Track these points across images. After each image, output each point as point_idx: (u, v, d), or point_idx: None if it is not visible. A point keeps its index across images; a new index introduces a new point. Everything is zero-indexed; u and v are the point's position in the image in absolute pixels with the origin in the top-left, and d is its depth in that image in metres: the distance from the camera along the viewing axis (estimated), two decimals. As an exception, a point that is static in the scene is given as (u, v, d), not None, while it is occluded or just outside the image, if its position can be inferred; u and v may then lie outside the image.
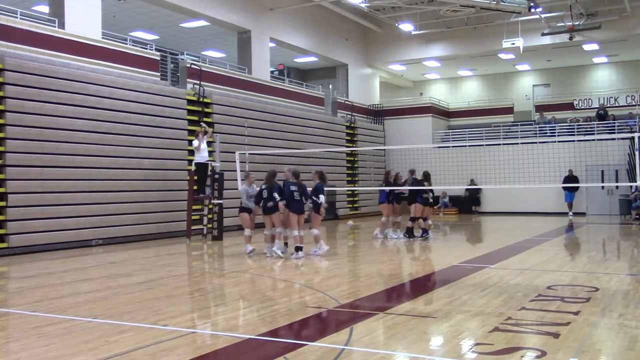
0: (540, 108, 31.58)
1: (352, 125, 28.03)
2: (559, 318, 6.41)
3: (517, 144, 26.48)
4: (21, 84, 13.88)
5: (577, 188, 24.12)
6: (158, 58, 18.43)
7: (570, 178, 23.92)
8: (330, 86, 29.41)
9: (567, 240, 16.19)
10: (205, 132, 16.48)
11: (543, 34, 25.94)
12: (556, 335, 5.68)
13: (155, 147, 17.10)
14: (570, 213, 24.71)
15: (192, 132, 17.98)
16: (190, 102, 18.63)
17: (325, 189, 12.85)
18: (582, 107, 30.89)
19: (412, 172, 15.48)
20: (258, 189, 12.42)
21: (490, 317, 6.49)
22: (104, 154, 15.68)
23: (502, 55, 29.87)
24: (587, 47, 28.30)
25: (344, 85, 29.62)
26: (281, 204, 11.93)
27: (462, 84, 36.99)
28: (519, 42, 25.01)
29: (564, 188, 24.05)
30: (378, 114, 31.45)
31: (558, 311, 6.76)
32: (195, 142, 16.20)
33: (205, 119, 18.90)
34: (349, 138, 27.62)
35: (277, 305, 7.37)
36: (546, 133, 28.16)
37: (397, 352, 5.35)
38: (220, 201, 16.22)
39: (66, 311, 7.17)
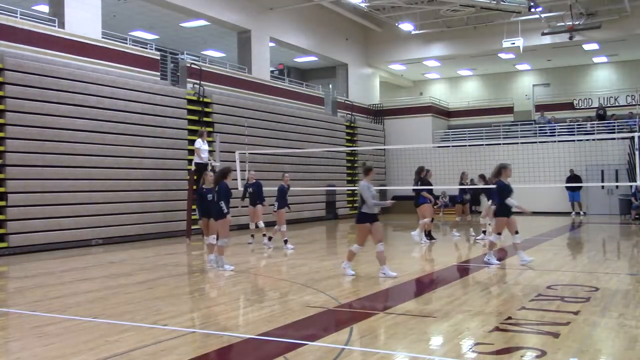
0: (540, 108, 31.60)
1: (352, 125, 28.03)
2: (558, 318, 6.41)
3: (517, 143, 26.46)
4: (21, 84, 13.88)
5: (579, 187, 24.07)
6: (158, 58, 18.43)
7: (572, 178, 23.90)
8: (330, 86, 29.41)
9: (567, 240, 16.19)
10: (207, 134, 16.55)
11: (543, 34, 25.93)
12: (556, 335, 5.68)
13: (155, 147, 17.10)
14: (573, 213, 24.69)
15: (192, 132, 17.99)
16: (190, 101, 18.64)
17: (325, 188, 12.86)
18: (582, 107, 30.90)
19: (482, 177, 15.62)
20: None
21: (490, 317, 6.49)
22: (104, 154, 15.68)
23: (502, 55, 29.88)
24: (587, 46, 28.30)
25: (344, 85, 29.63)
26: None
27: (462, 84, 36.99)
28: (519, 42, 24.99)
29: (567, 188, 24.02)
30: (378, 114, 31.46)
31: (558, 311, 6.77)
32: (199, 142, 16.22)
33: (205, 119, 18.93)
34: (349, 138, 27.62)
35: (277, 305, 7.37)
36: (546, 133, 28.17)
37: (397, 352, 5.35)
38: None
39: (66, 311, 7.17)
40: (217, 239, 10.71)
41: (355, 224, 9.53)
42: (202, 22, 22.65)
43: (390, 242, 16.52)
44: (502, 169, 10.64)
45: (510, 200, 10.36)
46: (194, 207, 16.45)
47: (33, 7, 18.51)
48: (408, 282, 8.98)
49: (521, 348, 5.32)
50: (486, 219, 15.13)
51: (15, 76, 13.76)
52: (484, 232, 15.40)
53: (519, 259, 10.54)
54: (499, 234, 10.68)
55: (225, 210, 10.35)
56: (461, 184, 16.63)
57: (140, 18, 22.66)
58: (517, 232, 10.53)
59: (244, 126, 19.24)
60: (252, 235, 15.03)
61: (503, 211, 10.49)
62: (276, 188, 17.73)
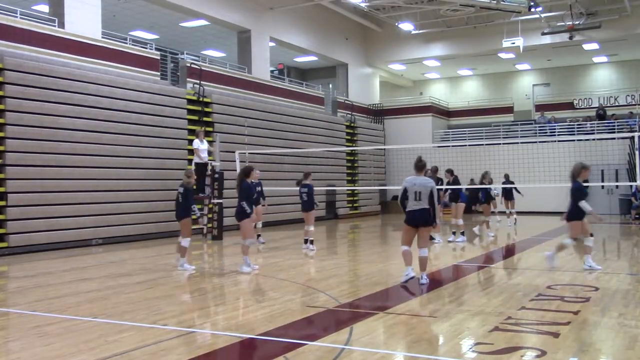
0: (540, 108, 31.61)
1: (352, 124, 28.03)
2: (558, 318, 6.41)
3: (517, 143, 26.47)
4: (21, 84, 13.87)
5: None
6: (158, 57, 18.43)
7: None
8: (330, 86, 29.41)
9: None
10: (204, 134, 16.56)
11: (543, 34, 25.94)
12: (556, 335, 5.68)
13: (155, 147, 17.10)
14: None
15: (191, 132, 17.98)
16: (190, 101, 18.63)
17: (325, 188, 12.73)
18: (582, 107, 30.91)
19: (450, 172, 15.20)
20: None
21: (490, 317, 6.49)
22: (104, 154, 15.68)
23: (502, 55, 29.89)
24: (587, 46, 28.30)
25: (344, 84, 29.63)
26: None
27: (462, 84, 36.99)
28: (519, 42, 25.01)
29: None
30: (378, 114, 31.46)
31: (558, 311, 6.77)
32: (197, 143, 16.23)
33: (205, 119, 18.94)
34: (349, 138, 27.62)
35: (277, 305, 7.37)
36: (546, 133, 28.18)
37: (397, 352, 5.36)
38: (220, 201, 16.23)
39: (66, 311, 7.17)
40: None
41: (429, 226, 8.61)
42: (202, 22, 22.65)
43: (391, 242, 16.51)
44: (583, 169, 9.71)
45: (583, 204, 9.49)
46: (198, 206, 16.48)
47: (33, 7, 18.51)
48: (408, 282, 8.96)
49: (521, 348, 5.32)
50: (459, 220, 14.90)
51: (15, 76, 13.76)
52: (454, 233, 15.06)
53: (584, 263, 9.90)
54: (575, 239, 9.79)
55: (249, 211, 10.15)
56: (482, 183, 16.55)
57: (140, 18, 22.66)
58: (591, 235, 9.84)
59: (244, 126, 19.24)
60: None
61: (577, 214, 9.57)
62: (277, 188, 17.73)
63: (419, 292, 8.18)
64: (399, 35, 28.91)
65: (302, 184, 13.45)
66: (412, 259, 8.63)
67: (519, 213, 26.05)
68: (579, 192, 9.60)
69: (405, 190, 8.60)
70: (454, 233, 14.93)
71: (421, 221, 8.52)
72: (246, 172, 10.41)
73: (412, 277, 8.52)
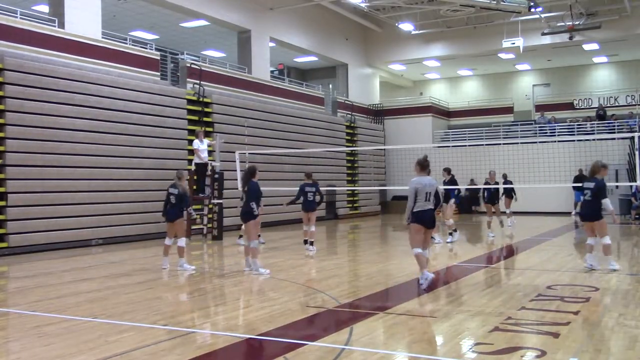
0: (540, 108, 31.62)
1: (352, 125, 28.03)
2: (558, 318, 6.41)
3: (517, 143, 26.48)
4: (21, 84, 13.88)
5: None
6: (158, 58, 18.44)
7: (580, 177, 23.78)
8: (330, 86, 29.42)
9: (567, 240, 16.17)
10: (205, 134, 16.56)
11: (543, 34, 25.95)
12: (556, 335, 5.68)
13: (155, 147, 17.10)
14: (574, 212, 24.66)
15: (192, 132, 17.98)
16: (190, 101, 18.64)
17: (325, 188, 12.60)
18: (582, 107, 30.93)
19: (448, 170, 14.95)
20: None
21: (490, 317, 6.49)
22: (104, 154, 15.68)
23: (502, 55, 29.89)
24: (587, 46, 28.31)
25: (344, 85, 29.63)
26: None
27: (462, 84, 37.00)
28: (519, 42, 25.01)
29: (574, 187, 24.00)
30: (378, 114, 31.47)
31: (558, 311, 6.77)
32: (196, 143, 16.23)
33: (205, 119, 18.95)
34: (349, 138, 27.62)
35: (277, 305, 7.37)
36: (546, 133, 28.18)
37: (397, 352, 5.36)
38: (220, 201, 16.24)
39: (66, 311, 7.17)
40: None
41: (434, 227, 8.54)
42: (202, 22, 22.65)
43: (391, 242, 16.54)
44: (602, 167, 9.61)
45: (607, 202, 9.34)
46: (198, 207, 16.47)
47: (33, 7, 18.51)
48: (408, 282, 8.97)
49: (521, 348, 5.32)
50: (449, 220, 14.74)
51: (15, 76, 13.76)
52: (451, 233, 14.77)
53: (585, 261, 9.85)
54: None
55: (256, 212, 10.05)
56: (486, 183, 16.57)
57: (140, 18, 22.66)
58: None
59: (244, 126, 19.24)
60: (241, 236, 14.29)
61: (599, 212, 9.45)
62: (277, 188, 17.68)
63: (419, 292, 8.17)
64: (399, 36, 28.92)
65: (309, 183, 13.26)
66: (426, 262, 8.37)
67: (519, 213, 26.10)
68: (604, 189, 9.50)
69: (415, 192, 8.33)
70: (450, 234, 14.88)
71: (431, 221, 8.40)
72: (252, 172, 10.37)
73: (433, 277, 8.34)
